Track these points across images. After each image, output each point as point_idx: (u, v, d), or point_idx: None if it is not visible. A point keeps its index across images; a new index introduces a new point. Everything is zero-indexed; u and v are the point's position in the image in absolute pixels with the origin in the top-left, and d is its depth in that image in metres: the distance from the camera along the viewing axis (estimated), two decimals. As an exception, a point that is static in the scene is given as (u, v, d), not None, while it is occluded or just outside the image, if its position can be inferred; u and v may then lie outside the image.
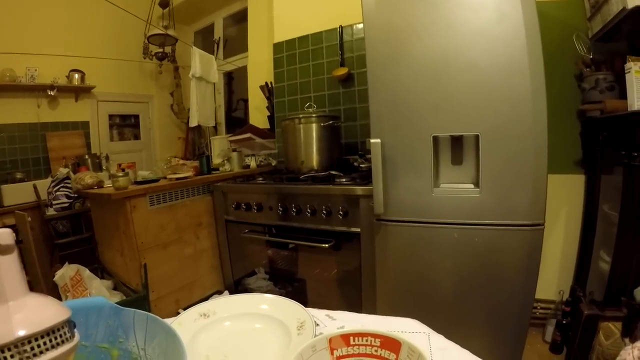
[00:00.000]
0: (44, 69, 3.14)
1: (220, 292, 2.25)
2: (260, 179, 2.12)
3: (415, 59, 1.32)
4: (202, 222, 2.17)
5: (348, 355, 0.47)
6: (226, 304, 0.70)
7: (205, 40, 4.12)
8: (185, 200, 2.07)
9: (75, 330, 0.37)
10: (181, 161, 2.36)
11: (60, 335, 0.34)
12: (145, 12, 3.67)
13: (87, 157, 2.98)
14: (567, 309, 1.75)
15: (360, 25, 2.22)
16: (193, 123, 3.26)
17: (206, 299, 2.01)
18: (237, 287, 2.18)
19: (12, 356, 0.30)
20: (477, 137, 1.27)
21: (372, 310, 1.60)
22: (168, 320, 0.62)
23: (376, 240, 1.49)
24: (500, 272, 1.31)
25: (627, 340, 1.21)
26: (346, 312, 0.70)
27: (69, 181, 2.48)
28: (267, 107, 2.84)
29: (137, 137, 4.14)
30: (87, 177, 2.07)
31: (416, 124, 1.35)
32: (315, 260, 1.89)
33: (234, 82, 3.93)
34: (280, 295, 0.72)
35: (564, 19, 1.83)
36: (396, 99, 1.36)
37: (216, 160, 2.61)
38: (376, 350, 0.46)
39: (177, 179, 2.05)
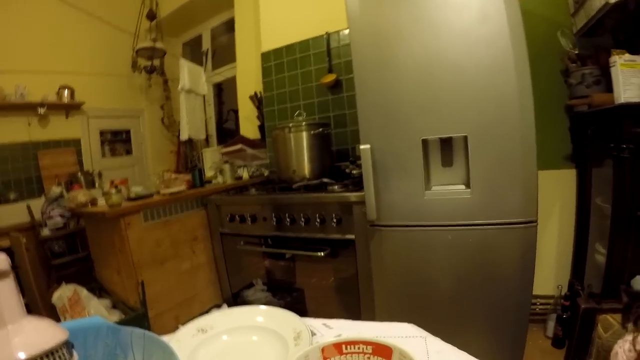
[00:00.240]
0: (33, 87, 3.11)
1: (219, 306, 2.22)
2: (253, 190, 2.11)
3: (401, 62, 1.32)
4: (198, 236, 2.15)
5: None
6: (223, 318, 0.71)
7: (194, 51, 4.11)
8: (180, 215, 2.05)
9: (74, 350, 0.37)
10: (174, 175, 2.35)
11: (59, 357, 0.34)
12: (132, 25, 3.67)
13: (79, 174, 2.96)
14: (567, 303, 1.75)
15: (347, 31, 2.22)
16: (184, 136, 3.25)
17: (205, 313, 1.99)
18: (236, 299, 2.16)
19: None
20: (465, 138, 1.27)
21: (371, 316, 1.60)
22: (166, 338, 0.62)
23: (371, 246, 1.49)
24: (496, 271, 1.31)
25: (629, 326, 1.20)
26: (343, 320, 0.70)
27: (62, 200, 2.47)
28: (258, 117, 2.83)
29: (129, 152, 4.13)
30: (81, 196, 2.05)
31: (405, 128, 1.35)
32: (312, 269, 1.88)
33: (224, 93, 3.93)
34: (280, 306, 0.72)
35: (548, 15, 1.84)
36: (384, 103, 1.37)
37: (209, 173, 2.60)
38: (368, 358, 0.47)
39: (171, 193, 2.03)
